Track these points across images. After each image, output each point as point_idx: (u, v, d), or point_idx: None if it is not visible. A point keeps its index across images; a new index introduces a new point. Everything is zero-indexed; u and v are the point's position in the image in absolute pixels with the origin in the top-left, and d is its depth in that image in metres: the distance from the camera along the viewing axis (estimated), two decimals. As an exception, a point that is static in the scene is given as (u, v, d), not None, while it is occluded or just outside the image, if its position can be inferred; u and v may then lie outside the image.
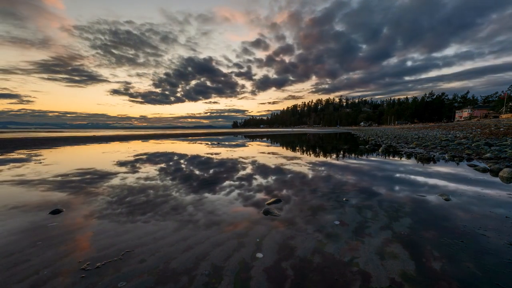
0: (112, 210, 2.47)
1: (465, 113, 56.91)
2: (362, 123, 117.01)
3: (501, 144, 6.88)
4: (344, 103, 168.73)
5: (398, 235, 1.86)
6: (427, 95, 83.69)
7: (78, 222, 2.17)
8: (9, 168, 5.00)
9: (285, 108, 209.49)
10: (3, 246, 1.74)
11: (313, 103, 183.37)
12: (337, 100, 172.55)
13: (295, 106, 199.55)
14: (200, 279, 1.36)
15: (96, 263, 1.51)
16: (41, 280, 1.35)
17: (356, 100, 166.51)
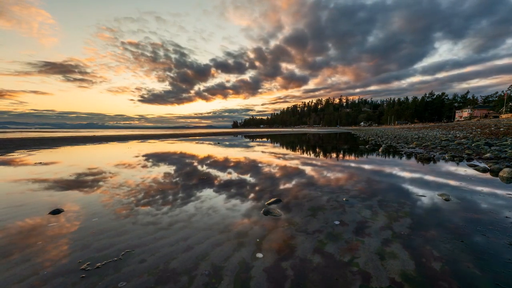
0: (112, 210, 2.47)
1: (465, 113, 56.90)
2: (362, 123, 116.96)
3: (501, 144, 6.88)
4: (344, 103, 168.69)
5: (398, 235, 1.86)
6: (427, 95, 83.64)
7: (78, 222, 2.17)
8: (10, 168, 5.00)
9: (285, 108, 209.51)
10: (3, 246, 1.74)
11: (313, 103, 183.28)
12: (337, 100, 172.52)
13: (295, 106, 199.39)
14: (200, 279, 1.36)
15: (96, 263, 1.52)
16: (41, 280, 1.35)
17: (356, 100, 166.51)
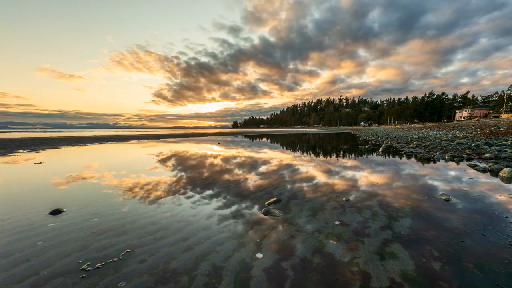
0: (112, 210, 2.47)
1: (465, 113, 56.86)
2: (362, 123, 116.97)
3: (501, 144, 6.88)
4: (344, 103, 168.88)
5: (398, 235, 1.86)
6: (427, 95, 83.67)
7: (78, 222, 2.17)
8: (10, 168, 5.00)
9: (286, 109, 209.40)
10: (3, 246, 1.74)
11: (313, 103, 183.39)
12: (337, 100, 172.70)
13: (295, 106, 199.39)
14: (200, 279, 1.36)
15: (96, 263, 1.51)
16: (41, 280, 1.35)
17: (356, 100, 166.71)
